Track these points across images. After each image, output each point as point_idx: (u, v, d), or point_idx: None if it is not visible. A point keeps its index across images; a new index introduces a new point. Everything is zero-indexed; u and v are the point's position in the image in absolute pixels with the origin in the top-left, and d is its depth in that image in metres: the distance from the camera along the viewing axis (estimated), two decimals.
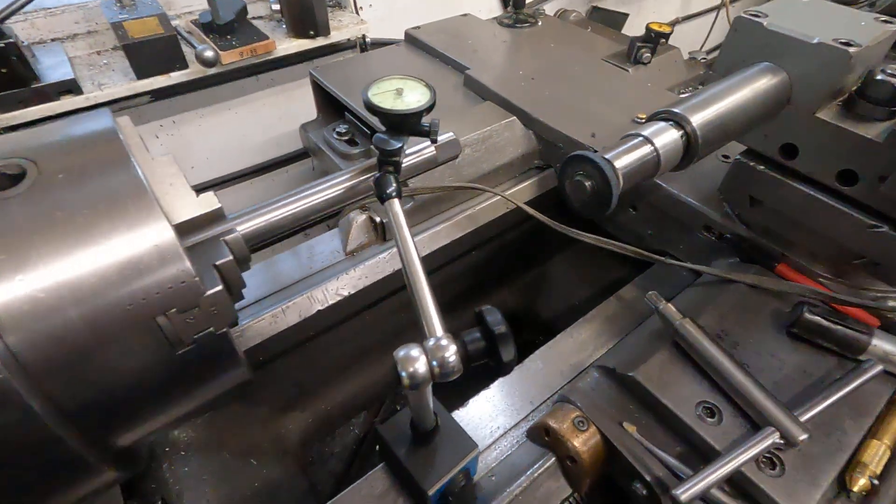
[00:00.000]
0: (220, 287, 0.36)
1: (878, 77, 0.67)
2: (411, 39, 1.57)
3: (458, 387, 0.53)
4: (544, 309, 1.46)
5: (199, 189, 0.49)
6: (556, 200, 1.29)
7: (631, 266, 1.22)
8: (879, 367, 0.65)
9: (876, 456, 0.64)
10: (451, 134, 0.66)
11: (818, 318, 0.70)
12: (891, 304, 0.75)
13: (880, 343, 0.67)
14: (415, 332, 1.21)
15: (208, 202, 0.46)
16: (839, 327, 0.69)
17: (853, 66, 0.65)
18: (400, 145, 0.52)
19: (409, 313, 1.16)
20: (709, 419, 0.65)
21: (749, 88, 0.67)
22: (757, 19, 0.71)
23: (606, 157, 0.57)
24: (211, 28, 1.43)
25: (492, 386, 0.83)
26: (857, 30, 0.68)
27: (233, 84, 1.62)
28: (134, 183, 0.34)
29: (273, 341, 0.90)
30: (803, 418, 0.62)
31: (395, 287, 1.06)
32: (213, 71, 1.41)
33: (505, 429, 0.77)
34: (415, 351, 0.44)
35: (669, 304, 0.74)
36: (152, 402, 0.38)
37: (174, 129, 1.61)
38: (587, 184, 0.56)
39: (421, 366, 0.43)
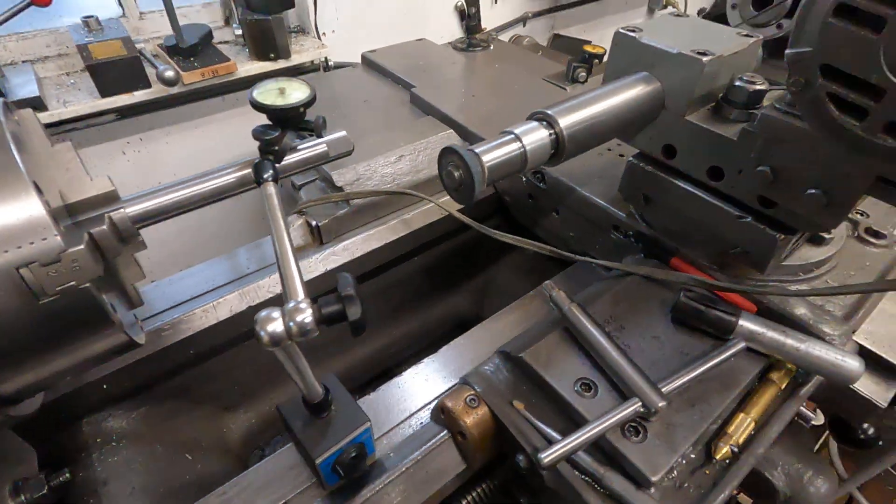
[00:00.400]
0: (81, 246, 0.42)
1: (737, 83, 0.75)
2: (367, 62, 1.67)
3: None
4: (491, 311, 1.50)
5: None
6: (496, 207, 1.36)
7: (562, 264, 1.28)
8: (742, 345, 0.71)
9: (740, 428, 0.69)
10: (344, 133, 0.74)
11: (692, 302, 0.76)
12: (762, 288, 0.81)
13: (746, 324, 0.73)
14: (349, 337, 1.25)
15: (102, 185, 0.52)
16: (709, 310, 0.75)
17: (708, 74, 0.73)
18: (276, 134, 0.59)
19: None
20: (586, 394, 0.70)
21: (621, 95, 0.75)
22: (632, 34, 0.79)
23: (476, 150, 0.63)
24: (175, 51, 1.53)
25: (404, 373, 0.88)
26: (717, 42, 0.76)
27: (199, 104, 1.70)
28: (5, 161, 0.40)
29: (204, 335, 0.95)
30: (666, 389, 0.67)
31: (328, 287, 1.11)
32: (175, 90, 1.49)
33: (411, 411, 0.82)
34: (275, 313, 0.50)
35: (561, 292, 0.80)
36: (24, 348, 0.43)
37: (141, 146, 1.69)
38: (455, 174, 0.63)
39: (278, 325, 0.49)
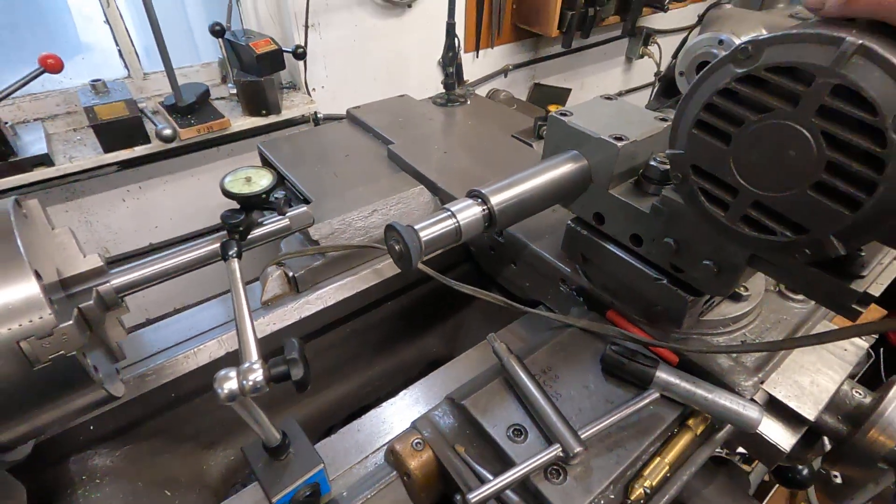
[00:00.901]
0: (70, 322, 0.52)
1: (651, 163, 0.86)
2: (351, 117, 1.81)
3: None
4: (463, 352, 1.59)
5: (163, 246, 0.65)
6: (465, 255, 1.47)
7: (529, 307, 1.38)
8: (655, 395, 0.80)
9: (655, 471, 0.77)
10: (304, 208, 0.85)
11: (617, 355, 0.85)
12: (678, 343, 0.91)
13: (663, 375, 0.82)
14: (330, 376, 1.34)
15: (92, 261, 0.63)
16: (630, 362, 0.84)
17: (624, 156, 0.84)
18: (241, 217, 0.70)
19: (314, 359, 1.31)
20: (517, 439, 0.79)
21: (551, 173, 0.86)
22: (563, 118, 0.91)
23: (414, 227, 0.74)
24: (174, 109, 1.67)
25: (364, 417, 0.96)
26: (636, 126, 0.88)
27: (195, 154, 1.84)
28: (12, 252, 0.51)
29: (185, 380, 1.04)
30: (586, 435, 0.76)
31: (303, 332, 1.21)
32: (173, 145, 1.62)
33: (367, 453, 0.90)
34: (231, 373, 0.59)
35: (502, 344, 0.89)
36: (18, 405, 0.52)
37: (140, 193, 1.82)
38: (397, 247, 0.73)
39: (233, 384, 0.58)
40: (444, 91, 1.99)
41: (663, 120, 0.92)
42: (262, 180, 0.72)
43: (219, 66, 1.88)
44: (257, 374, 0.58)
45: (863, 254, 0.60)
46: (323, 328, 1.27)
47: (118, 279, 0.64)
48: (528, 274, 1.21)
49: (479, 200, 0.80)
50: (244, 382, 0.58)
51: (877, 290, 0.62)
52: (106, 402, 0.62)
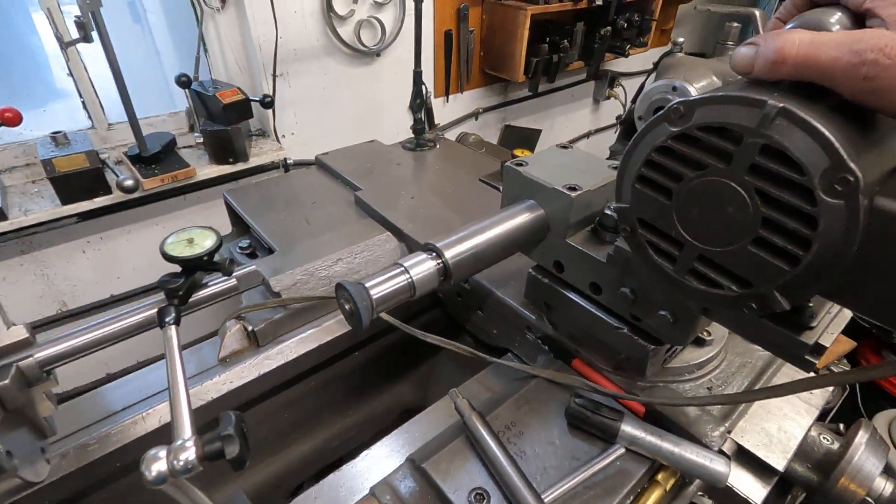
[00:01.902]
0: None
1: (606, 211, 0.86)
2: (320, 163, 1.81)
3: None
4: (435, 399, 1.55)
5: (125, 297, 0.61)
6: (434, 301, 1.44)
7: (499, 353, 1.35)
8: (621, 450, 0.77)
9: None
10: (253, 266, 0.82)
11: (580, 408, 0.83)
12: (643, 392, 0.89)
13: (628, 428, 0.80)
14: (297, 431, 1.27)
15: (17, 333, 0.59)
16: (594, 415, 0.81)
17: (579, 205, 0.85)
18: (180, 282, 0.67)
19: (267, 423, 1.25)
20: None
21: (507, 223, 0.86)
22: (518, 168, 0.91)
23: (365, 284, 0.72)
24: (138, 158, 1.65)
25: (323, 482, 0.91)
26: (591, 175, 0.88)
27: (160, 203, 1.81)
28: None
29: (135, 446, 0.98)
30: (550, 498, 0.72)
31: (262, 391, 1.16)
32: (136, 195, 1.60)
33: None
34: (161, 452, 0.55)
35: (464, 400, 0.86)
36: None
37: (101, 244, 1.77)
38: (346, 306, 0.71)
39: (161, 465, 0.54)
40: (413, 136, 2.02)
41: (616, 169, 0.93)
42: (206, 241, 0.70)
43: (186, 114, 1.88)
44: (189, 454, 0.54)
45: (811, 305, 0.60)
46: (286, 382, 1.22)
47: (43, 352, 0.60)
48: (496, 321, 1.19)
49: (434, 254, 0.79)
50: (174, 463, 0.54)
51: (828, 340, 0.61)
52: (23, 489, 0.57)
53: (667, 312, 0.73)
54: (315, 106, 2.09)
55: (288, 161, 1.98)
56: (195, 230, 0.72)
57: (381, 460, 0.94)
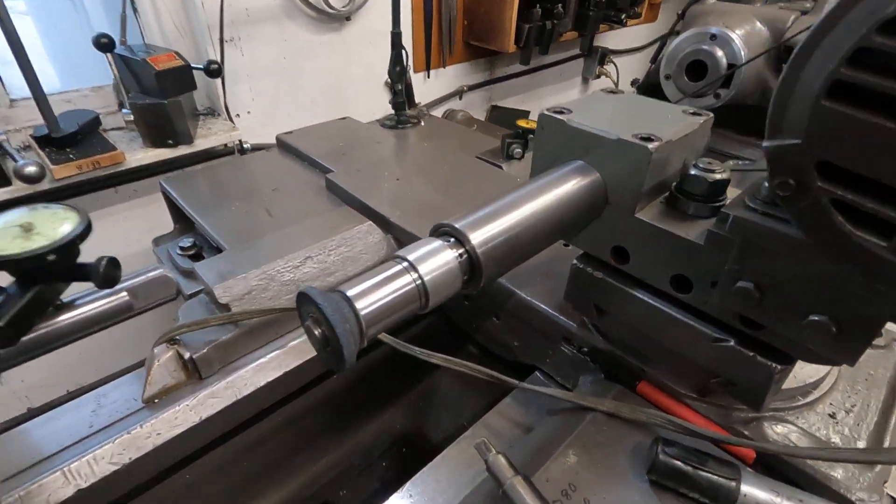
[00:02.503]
0: None
1: (692, 172, 0.60)
2: (283, 144, 1.50)
3: None
4: (433, 429, 1.26)
5: None
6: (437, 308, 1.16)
7: (520, 372, 1.08)
8: None
9: None
10: (160, 270, 0.52)
11: (675, 460, 0.56)
12: (767, 426, 0.63)
13: (751, 490, 0.53)
14: (261, 480, 0.97)
15: None
16: (701, 472, 0.54)
17: (657, 162, 0.58)
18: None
19: (216, 478, 0.95)
20: None
21: (551, 193, 0.58)
22: (559, 116, 0.64)
23: (346, 292, 0.43)
24: (48, 141, 1.31)
25: None
26: (662, 123, 0.62)
27: (85, 197, 1.46)
28: None
29: None
30: None
31: (207, 440, 0.85)
32: (44, 186, 1.26)
33: None
34: None
35: (500, 456, 0.58)
36: None
37: None
38: (316, 331, 0.42)
39: None
40: (393, 112, 1.72)
41: (696, 114, 0.66)
42: (59, 227, 0.39)
43: (113, 89, 1.54)
44: None
45: None
46: (241, 424, 0.92)
47: None
48: (517, 330, 0.91)
49: (452, 240, 0.50)
50: None
51: None
52: None
53: (826, 318, 0.47)
54: (274, 79, 1.77)
55: (244, 144, 1.66)
56: (41, 211, 0.41)
57: None
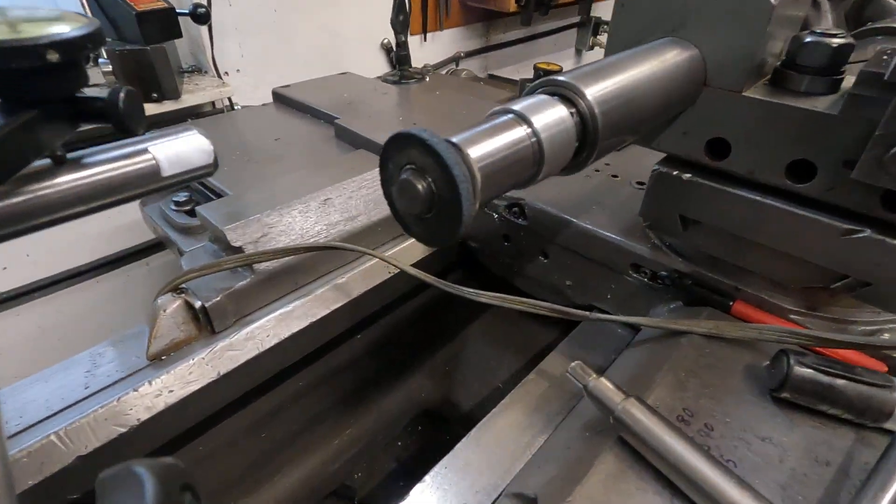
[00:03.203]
0: None
1: (808, 39, 0.51)
2: (280, 98, 1.37)
3: None
4: (464, 396, 1.16)
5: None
6: (462, 256, 1.06)
7: (561, 327, 0.99)
8: None
9: None
10: (193, 130, 0.41)
11: (813, 370, 0.47)
12: (891, 336, 0.55)
13: None
14: (281, 454, 0.85)
15: None
16: (847, 382, 0.46)
17: (776, 24, 0.49)
18: None
19: (233, 451, 0.84)
20: None
21: (658, 60, 0.49)
22: None
23: (453, 139, 0.33)
24: None
25: None
26: None
27: None
28: None
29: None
30: None
31: (224, 402, 0.73)
32: None
33: None
34: None
35: (603, 379, 0.48)
36: None
37: None
38: (419, 185, 0.31)
39: None
40: (394, 69, 1.61)
41: None
42: (58, 25, 0.28)
43: None
44: None
45: None
46: (261, 386, 0.80)
47: None
48: (571, 267, 0.82)
49: (559, 97, 0.40)
50: None
51: None
52: None
53: None
54: (266, 36, 1.64)
55: (234, 104, 1.53)
56: (35, 12, 0.29)
57: (447, 495, 0.55)
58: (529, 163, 0.37)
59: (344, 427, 1.07)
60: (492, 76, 2.53)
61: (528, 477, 0.49)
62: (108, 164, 0.32)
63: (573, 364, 0.51)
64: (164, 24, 1.24)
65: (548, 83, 0.41)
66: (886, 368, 0.52)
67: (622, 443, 0.46)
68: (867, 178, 0.45)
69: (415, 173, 0.32)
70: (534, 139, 0.36)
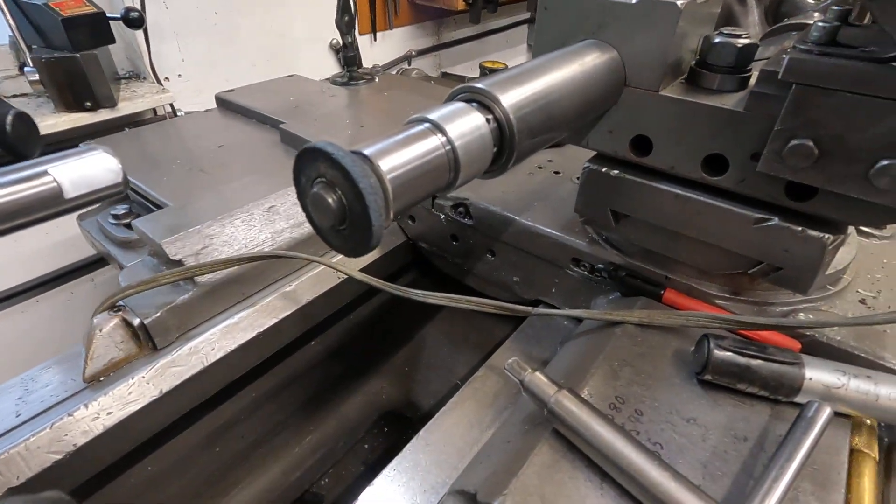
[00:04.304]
0: None
1: (717, 40, 0.54)
2: (224, 102, 1.34)
3: None
4: (424, 395, 1.17)
5: None
6: (415, 257, 1.06)
7: (514, 322, 1.01)
8: (828, 410, 0.46)
9: None
10: (99, 149, 0.40)
11: (731, 353, 0.50)
12: (804, 316, 0.59)
13: (816, 374, 0.48)
14: (239, 468, 0.84)
15: None
16: (761, 362, 0.49)
17: (683, 27, 0.51)
18: None
19: (185, 468, 0.82)
20: None
21: (577, 63, 0.50)
22: None
23: (364, 151, 0.33)
24: None
25: None
26: None
27: None
28: None
29: None
30: None
31: (169, 420, 0.71)
32: None
33: None
34: None
35: (538, 373, 0.50)
36: None
37: None
38: (330, 198, 0.32)
39: None
40: (344, 69, 1.59)
41: None
42: None
43: (11, 48, 1.31)
44: None
45: None
46: (210, 400, 0.79)
47: None
48: (517, 264, 0.84)
49: (475, 104, 0.41)
50: None
51: None
52: None
53: None
54: (207, 38, 1.59)
55: (177, 110, 1.48)
56: None
57: (394, 496, 0.56)
58: (445, 170, 0.37)
59: (304, 434, 1.06)
60: (445, 74, 2.54)
61: (472, 473, 0.51)
62: (2, 188, 0.31)
63: (510, 360, 0.52)
64: (94, 30, 1.18)
65: (465, 90, 0.42)
66: (800, 346, 0.56)
67: (557, 434, 0.48)
68: (770, 169, 0.48)
69: (325, 186, 0.32)
70: (448, 147, 0.37)
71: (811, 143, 0.45)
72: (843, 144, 0.44)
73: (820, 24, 0.44)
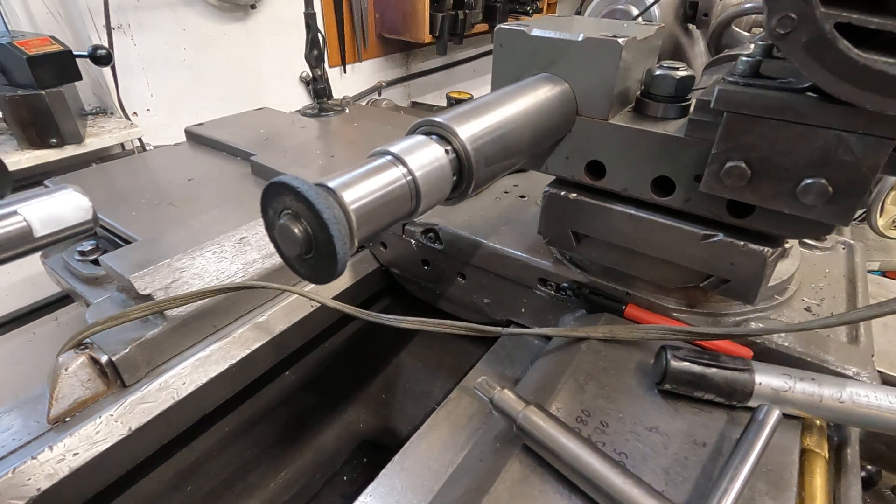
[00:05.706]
0: None
1: (658, 72, 0.59)
2: (194, 136, 1.35)
3: None
4: (402, 422, 1.17)
5: None
6: (384, 283, 1.07)
7: (487, 343, 1.02)
8: (777, 413, 0.49)
9: None
10: (69, 188, 0.41)
11: (687, 363, 0.53)
12: (755, 325, 0.62)
13: (765, 379, 0.52)
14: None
15: None
16: (715, 370, 0.52)
17: (627, 61, 0.56)
18: None
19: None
20: None
21: (531, 96, 0.54)
22: (520, 28, 0.60)
23: (328, 184, 0.35)
24: None
25: None
26: (620, 30, 0.60)
27: None
28: None
29: None
30: None
31: (139, 459, 0.70)
32: None
33: None
34: None
35: (506, 391, 0.52)
36: None
37: None
38: (296, 229, 0.33)
39: None
40: (314, 101, 1.62)
41: (649, 23, 0.66)
42: None
43: None
44: None
45: None
46: (180, 437, 0.77)
47: None
48: (487, 286, 0.86)
49: (435, 137, 0.44)
50: None
51: None
52: None
53: (819, 180, 0.46)
54: (176, 73, 1.60)
55: (146, 146, 1.47)
56: None
57: None
58: (407, 199, 0.40)
59: (280, 469, 1.04)
60: (415, 104, 2.60)
61: (446, 494, 0.52)
62: None
63: (479, 380, 0.54)
64: (60, 68, 1.19)
65: (425, 124, 0.45)
66: (752, 354, 0.59)
67: (527, 449, 0.49)
68: (711, 189, 0.52)
69: (291, 218, 0.34)
70: (409, 178, 0.39)
71: (744, 165, 0.49)
72: (772, 165, 0.48)
73: (744, 58, 0.49)
